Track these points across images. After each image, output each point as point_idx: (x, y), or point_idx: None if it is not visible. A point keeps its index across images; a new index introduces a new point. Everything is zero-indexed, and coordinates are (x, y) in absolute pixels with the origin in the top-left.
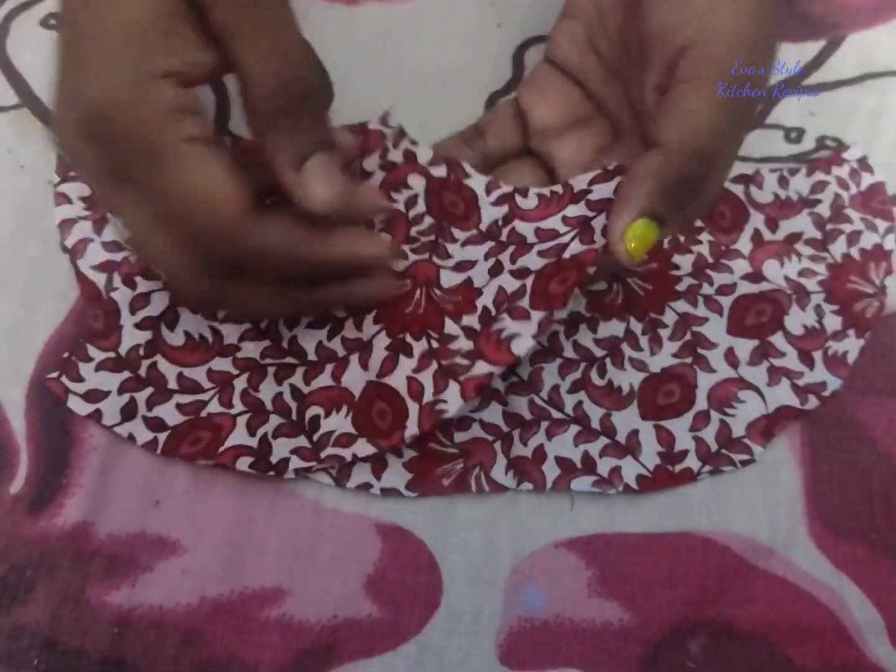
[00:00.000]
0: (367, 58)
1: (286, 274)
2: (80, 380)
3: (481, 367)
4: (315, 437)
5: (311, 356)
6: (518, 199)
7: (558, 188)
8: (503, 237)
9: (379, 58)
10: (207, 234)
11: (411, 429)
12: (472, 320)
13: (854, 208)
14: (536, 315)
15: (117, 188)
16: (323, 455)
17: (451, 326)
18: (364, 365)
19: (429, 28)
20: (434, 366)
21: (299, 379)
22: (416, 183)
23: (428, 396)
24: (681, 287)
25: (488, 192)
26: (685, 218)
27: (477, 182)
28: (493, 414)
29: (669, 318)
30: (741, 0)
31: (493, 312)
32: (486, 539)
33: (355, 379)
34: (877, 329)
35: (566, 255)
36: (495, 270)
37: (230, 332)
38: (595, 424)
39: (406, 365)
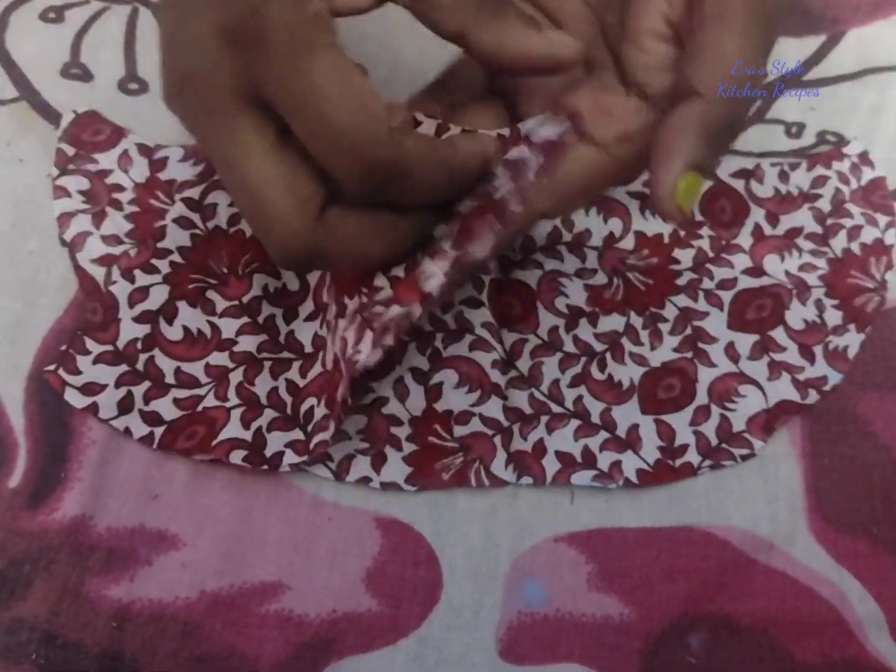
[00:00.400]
0: (367, 54)
1: (429, 188)
2: (78, 372)
3: (394, 311)
4: (309, 429)
5: (308, 348)
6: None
7: (506, 131)
8: None
9: (379, 54)
10: (360, 135)
11: (341, 390)
12: (399, 270)
13: (854, 203)
14: (452, 253)
15: (237, 113)
16: (311, 445)
17: (379, 279)
18: (332, 341)
19: (411, 37)
20: (357, 319)
21: (295, 373)
22: None
23: (350, 351)
24: (681, 281)
25: (437, 135)
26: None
27: (427, 126)
28: (493, 408)
29: (670, 312)
30: None
31: (419, 257)
32: (485, 533)
33: (329, 356)
34: (877, 324)
35: (497, 197)
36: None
37: (228, 327)
38: (595, 419)
39: (341, 327)
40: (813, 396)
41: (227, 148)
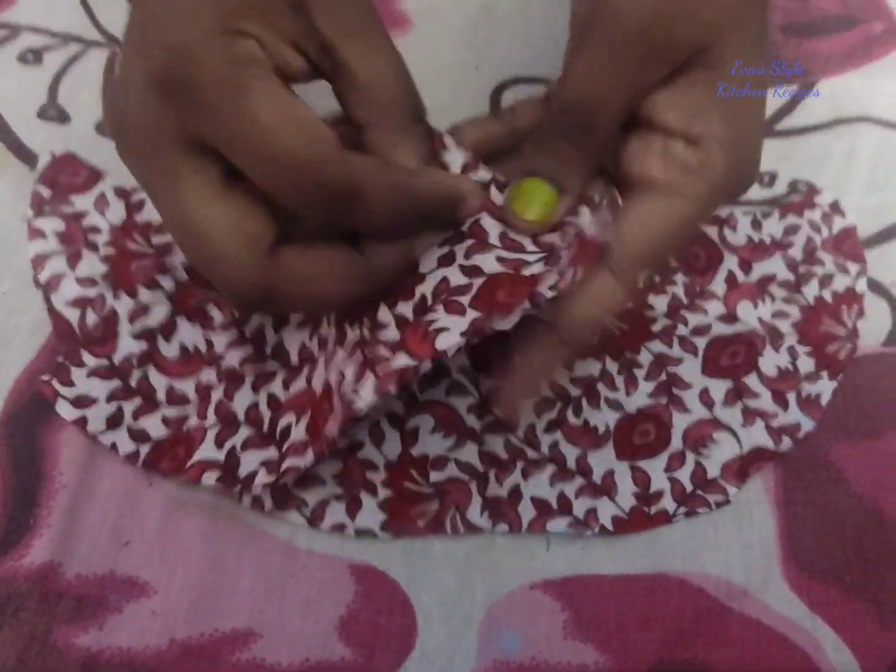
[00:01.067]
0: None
1: (386, 213)
2: (71, 384)
3: (401, 360)
4: (284, 448)
5: (294, 359)
6: (493, 189)
7: (484, 175)
8: (465, 226)
9: None
10: (309, 158)
11: (331, 426)
12: (406, 308)
13: (826, 251)
14: (472, 314)
15: (178, 160)
16: (283, 467)
17: (384, 314)
18: (325, 364)
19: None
20: (359, 356)
21: (278, 385)
22: None
23: (347, 388)
24: (656, 328)
25: (463, 171)
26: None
27: (453, 156)
28: (470, 454)
29: (645, 358)
30: None
31: (430, 302)
32: (461, 580)
33: (318, 379)
34: (849, 371)
35: (526, 272)
36: (446, 260)
37: (220, 341)
38: (571, 464)
39: (339, 357)
40: (787, 443)
41: (170, 195)
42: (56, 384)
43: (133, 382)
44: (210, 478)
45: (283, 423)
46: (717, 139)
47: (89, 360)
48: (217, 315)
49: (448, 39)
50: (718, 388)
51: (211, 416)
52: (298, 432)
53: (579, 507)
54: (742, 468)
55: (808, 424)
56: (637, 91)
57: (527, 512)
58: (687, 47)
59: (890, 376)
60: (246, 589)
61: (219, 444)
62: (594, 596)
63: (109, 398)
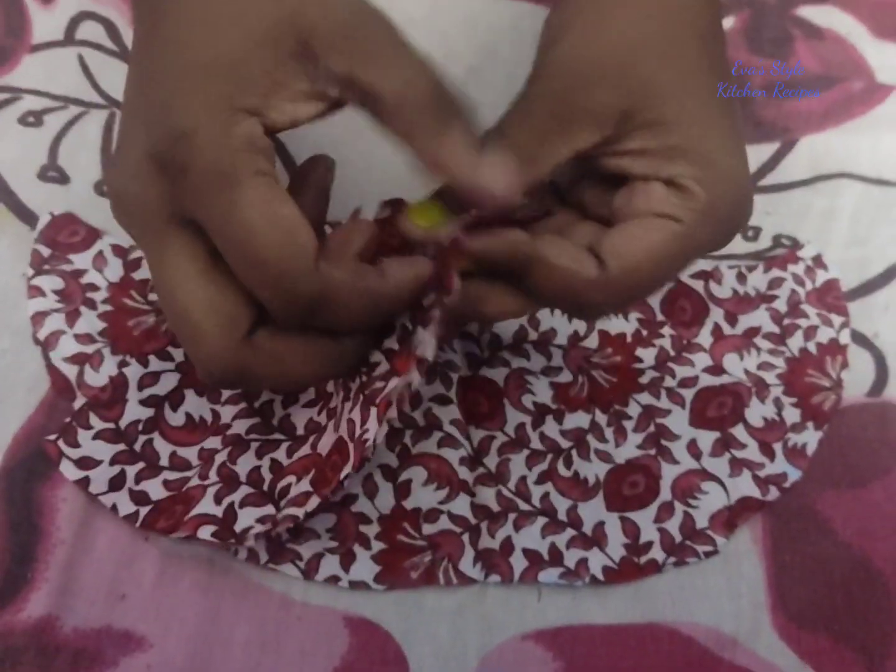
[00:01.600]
0: (338, 157)
1: (354, 316)
2: (77, 445)
3: (393, 383)
4: (282, 505)
5: (300, 430)
6: None
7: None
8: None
9: (350, 158)
10: (284, 266)
11: (347, 468)
12: (391, 342)
13: (810, 304)
14: (435, 314)
15: (167, 233)
16: (279, 517)
17: (375, 354)
18: (336, 426)
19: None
20: (360, 398)
21: (282, 453)
22: None
23: (357, 431)
24: (644, 380)
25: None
26: None
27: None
28: (462, 506)
29: (633, 410)
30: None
31: (410, 327)
32: (453, 631)
33: (327, 441)
34: (834, 421)
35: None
36: None
37: (227, 413)
38: (562, 516)
39: (346, 409)
40: (774, 493)
41: (156, 265)
42: (62, 444)
43: (137, 447)
44: (206, 532)
45: (282, 483)
46: (692, 177)
47: (96, 422)
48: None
49: None
50: (706, 438)
51: (213, 476)
52: (300, 488)
53: (570, 557)
54: (730, 519)
55: (794, 474)
56: (558, 153)
57: (518, 563)
58: (612, 111)
59: (874, 426)
60: (241, 641)
61: (217, 500)
62: (586, 646)
63: (113, 461)
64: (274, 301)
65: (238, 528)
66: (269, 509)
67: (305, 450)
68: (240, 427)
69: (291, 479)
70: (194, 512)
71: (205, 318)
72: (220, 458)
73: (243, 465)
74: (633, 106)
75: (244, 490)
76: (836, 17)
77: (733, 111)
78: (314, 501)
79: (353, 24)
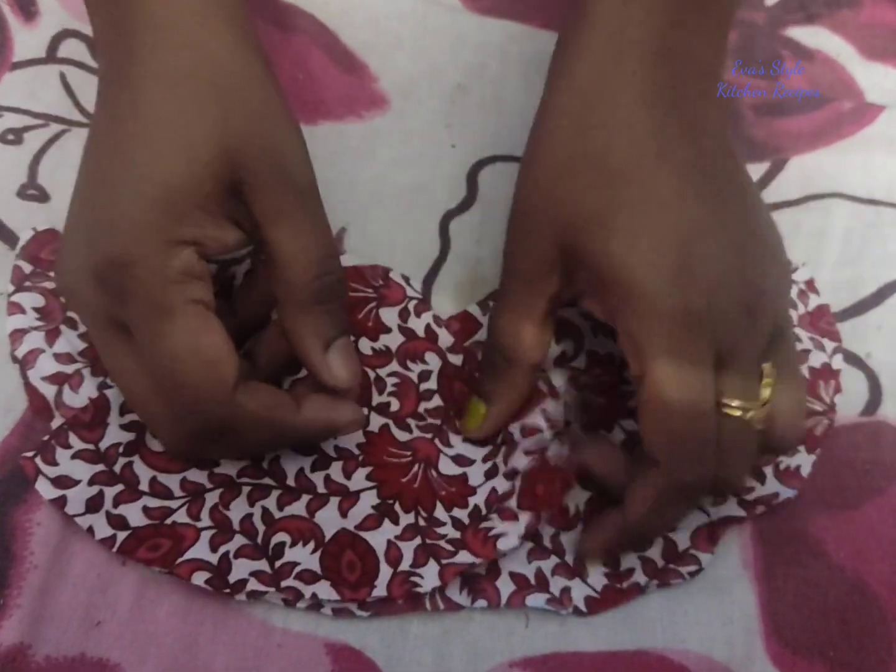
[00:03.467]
0: (323, 176)
1: (260, 444)
2: (54, 464)
3: (464, 557)
4: (277, 565)
5: (290, 481)
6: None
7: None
8: (498, 439)
9: (335, 177)
10: (201, 394)
11: (380, 590)
12: (462, 514)
13: (802, 328)
14: (524, 517)
15: (113, 335)
16: (283, 584)
17: (441, 512)
18: (343, 512)
19: (384, 148)
20: (417, 540)
21: (272, 502)
22: (433, 361)
23: (405, 566)
24: (631, 404)
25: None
26: None
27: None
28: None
29: (618, 435)
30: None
31: (484, 511)
32: (439, 658)
33: (330, 521)
34: (826, 443)
35: (549, 453)
36: (491, 473)
37: None
38: (547, 542)
39: (389, 530)
40: (759, 509)
41: (106, 360)
42: (39, 462)
43: (117, 469)
44: (200, 578)
45: (275, 540)
46: (630, 329)
47: (76, 442)
48: None
49: (424, 119)
50: None
51: (205, 519)
52: (299, 556)
53: (555, 585)
54: (711, 533)
55: (787, 493)
56: (540, 299)
57: (505, 587)
58: (551, 248)
59: (867, 447)
60: (220, 669)
61: (213, 547)
62: None
63: (91, 481)
64: (187, 421)
65: (231, 578)
66: (263, 565)
67: (299, 509)
68: (230, 468)
69: (285, 537)
70: (189, 555)
71: (153, 408)
72: (210, 498)
73: (236, 511)
74: (567, 241)
75: (239, 540)
76: (826, 38)
77: (705, 221)
78: (328, 591)
79: (278, 182)
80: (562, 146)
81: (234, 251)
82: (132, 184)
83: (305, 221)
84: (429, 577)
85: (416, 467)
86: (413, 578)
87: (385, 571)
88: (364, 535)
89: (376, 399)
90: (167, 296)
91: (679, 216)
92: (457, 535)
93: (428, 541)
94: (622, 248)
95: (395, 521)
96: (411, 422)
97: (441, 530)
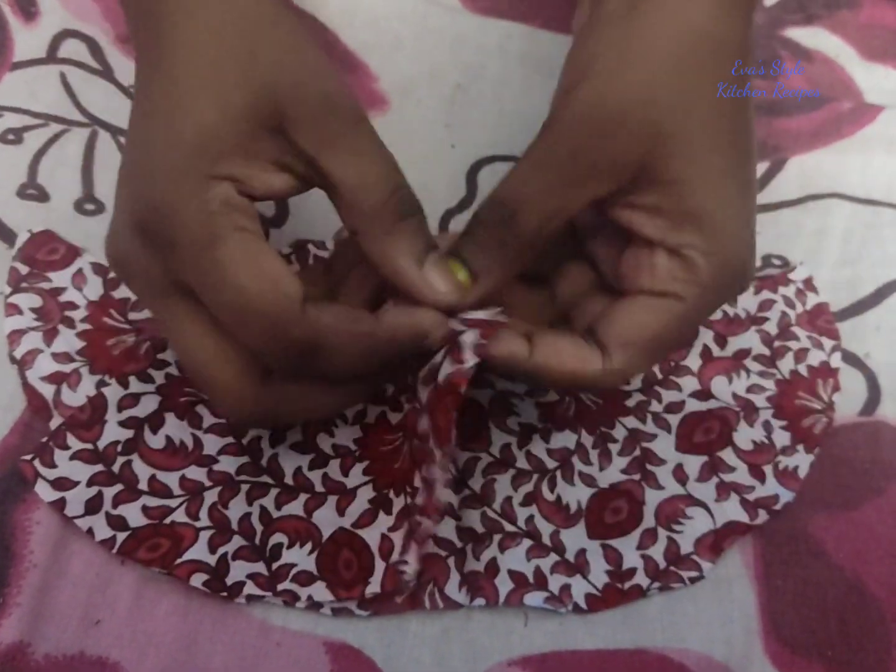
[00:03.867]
0: None
1: (350, 362)
2: (53, 466)
3: (426, 525)
4: (274, 567)
5: (288, 479)
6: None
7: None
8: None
9: None
10: (277, 319)
11: (373, 586)
12: (430, 470)
13: (801, 326)
14: (437, 452)
15: (169, 299)
16: (279, 588)
17: (417, 479)
18: (341, 510)
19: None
20: (406, 526)
21: (271, 501)
22: None
23: (395, 556)
24: (630, 403)
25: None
26: None
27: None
28: (447, 529)
29: (619, 433)
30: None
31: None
32: (438, 657)
33: (327, 519)
34: (826, 443)
35: (440, 377)
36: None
37: (211, 443)
38: (546, 540)
39: (383, 522)
40: (762, 516)
41: (167, 331)
42: (38, 464)
43: (116, 469)
44: (198, 580)
45: (273, 541)
46: (700, 249)
47: (74, 442)
48: (206, 415)
49: (424, 119)
50: (692, 463)
51: (204, 518)
52: (296, 558)
53: (554, 582)
54: (716, 542)
55: (786, 496)
56: (573, 202)
57: (504, 585)
58: (631, 163)
59: (866, 446)
60: (219, 668)
61: (212, 548)
62: None
63: (90, 482)
64: (267, 352)
65: (229, 580)
66: (261, 567)
67: (296, 509)
68: (228, 465)
69: (282, 538)
70: (188, 556)
71: (219, 371)
72: (209, 496)
73: (234, 510)
74: (652, 161)
75: (237, 541)
76: (825, 39)
77: (750, 172)
78: (324, 593)
79: (324, 108)
80: (655, 74)
81: (284, 197)
82: (165, 134)
83: (359, 140)
84: (411, 560)
85: (405, 446)
86: (400, 567)
87: (379, 566)
88: (361, 532)
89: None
90: (212, 226)
91: (749, 182)
92: (423, 498)
93: (410, 521)
94: (718, 186)
95: (389, 511)
96: (402, 398)
97: (418, 499)
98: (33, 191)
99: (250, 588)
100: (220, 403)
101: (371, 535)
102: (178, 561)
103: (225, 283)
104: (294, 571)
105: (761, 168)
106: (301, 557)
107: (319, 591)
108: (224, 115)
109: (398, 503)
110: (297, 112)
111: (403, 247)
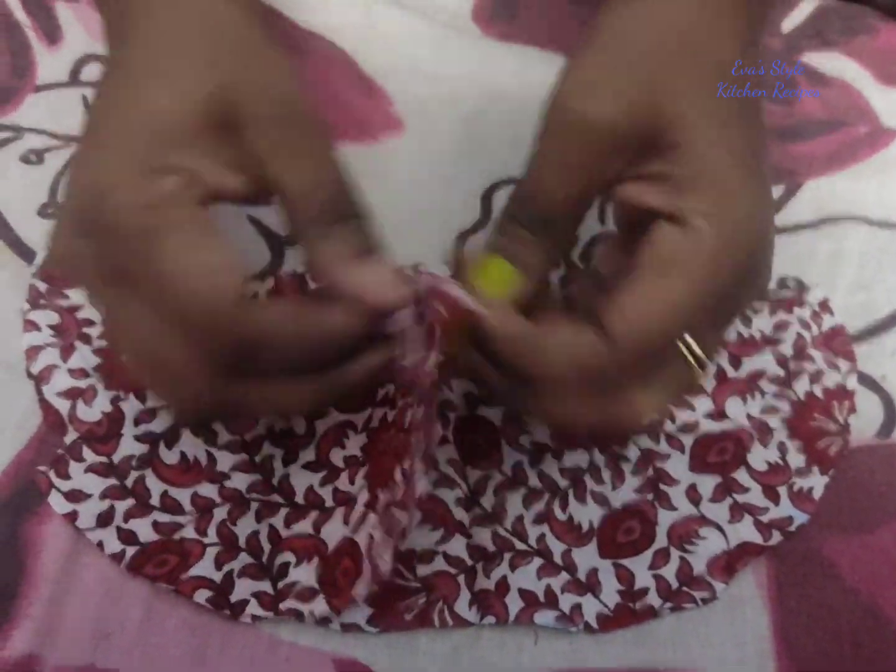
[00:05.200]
0: None
1: (295, 356)
2: (67, 477)
3: (402, 517)
4: (280, 586)
5: (299, 498)
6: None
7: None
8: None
9: None
10: (210, 315)
11: (360, 587)
12: (412, 463)
13: (816, 348)
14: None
15: (111, 289)
16: (283, 607)
17: (398, 473)
18: (346, 519)
19: (400, 169)
20: (373, 518)
21: (280, 520)
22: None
23: (375, 551)
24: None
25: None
26: None
27: None
28: (457, 546)
29: (632, 452)
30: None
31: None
32: None
33: (334, 532)
34: (841, 465)
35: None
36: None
37: (224, 460)
38: (557, 559)
39: (371, 521)
40: (776, 537)
41: (112, 321)
42: (52, 476)
43: (129, 483)
44: (202, 596)
45: (280, 559)
46: (701, 211)
47: (89, 455)
48: (223, 432)
49: (440, 141)
50: (706, 483)
51: (212, 535)
52: (302, 576)
53: (565, 601)
54: (729, 563)
55: (801, 517)
56: (591, 183)
57: (514, 603)
58: (637, 142)
59: (882, 469)
60: None
61: (218, 565)
62: None
63: (103, 495)
64: (204, 350)
65: (233, 598)
66: (266, 585)
67: (306, 527)
68: (240, 482)
69: (290, 557)
70: (194, 572)
71: (174, 364)
72: (219, 513)
73: (242, 528)
74: (657, 125)
75: (244, 559)
76: (841, 64)
77: (760, 148)
78: (322, 606)
79: (278, 112)
80: (659, 37)
81: (242, 200)
82: (115, 123)
83: (307, 145)
84: (386, 554)
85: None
86: (379, 561)
87: (367, 567)
88: (356, 536)
89: (380, 395)
90: (151, 217)
91: (760, 156)
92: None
93: (388, 514)
94: (725, 152)
95: (376, 508)
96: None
97: (397, 493)
98: (54, 210)
99: (253, 608)
100: (173, 397)
101: (362, 538)
102: (184, 576)
103: (158, 278)
104: (297, 588)
105: (776, 191)
106: (306, 574)
107: (320, 606)
108: (178, 105)
109: (383, 498)
110: (252, 113)
111: (337, 249)
